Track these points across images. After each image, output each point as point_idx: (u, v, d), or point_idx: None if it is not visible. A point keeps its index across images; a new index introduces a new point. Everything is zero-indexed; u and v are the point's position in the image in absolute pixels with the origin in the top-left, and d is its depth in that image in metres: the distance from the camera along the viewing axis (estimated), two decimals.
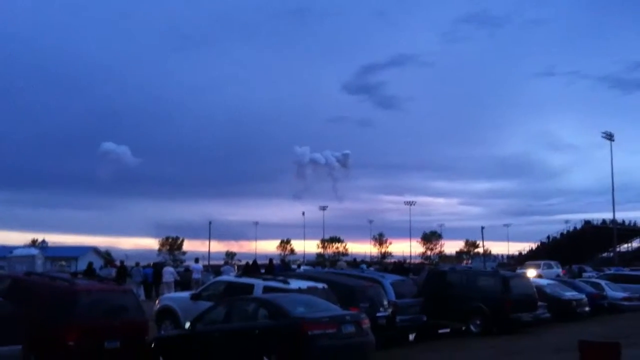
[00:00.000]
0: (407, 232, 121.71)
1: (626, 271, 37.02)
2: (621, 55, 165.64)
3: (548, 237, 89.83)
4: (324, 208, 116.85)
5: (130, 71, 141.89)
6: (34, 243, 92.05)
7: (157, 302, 18.46)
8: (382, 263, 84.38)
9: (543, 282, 24.65)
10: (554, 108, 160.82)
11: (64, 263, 39.82)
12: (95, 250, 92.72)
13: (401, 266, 36.90)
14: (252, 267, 31.72)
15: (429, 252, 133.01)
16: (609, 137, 71.18)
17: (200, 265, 34.82)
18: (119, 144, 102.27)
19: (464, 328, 19.17)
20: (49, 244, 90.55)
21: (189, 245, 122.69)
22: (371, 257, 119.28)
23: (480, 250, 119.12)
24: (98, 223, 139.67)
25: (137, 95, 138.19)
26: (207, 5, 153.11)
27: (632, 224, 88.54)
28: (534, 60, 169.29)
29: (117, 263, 41.99)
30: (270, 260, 36.77)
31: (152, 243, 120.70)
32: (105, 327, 11.60)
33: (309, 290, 13.84)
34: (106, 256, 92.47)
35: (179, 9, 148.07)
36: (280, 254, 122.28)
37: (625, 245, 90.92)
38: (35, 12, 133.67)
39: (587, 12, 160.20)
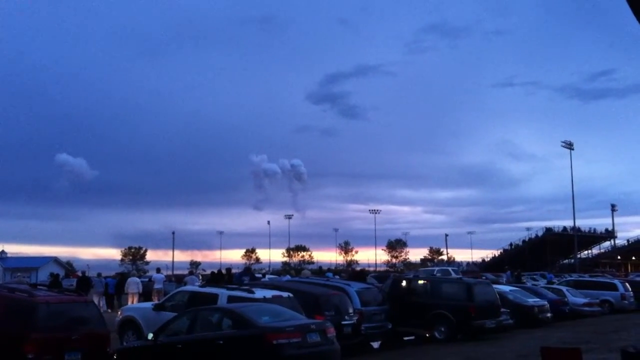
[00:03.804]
0: (372, 240, 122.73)
1: (586, 277, 37.78)
2: (580, 65, 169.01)
3: (510, 244, 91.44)
4: (289, 217, 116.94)
5: (91, 78, 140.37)
6: None
7: (119, 312, 18.17)
8: (346, 271, 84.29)
9: (506, 288, 24.97)
10: (514, 118, 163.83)
11: (19, 274, 38.83)
12: (56, 260, 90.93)
13: (361, 273, 36.66)
14: (218, 277, 31.34)
15: (394, 260, 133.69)
16: (569, 146, 72.52)
17: (162, 275, 34.17)
18: (79, 154, 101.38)
19: (428, 335, 19.28)
20: (9, 255, 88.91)
21: (152, 255, 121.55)
22: (337, 265, 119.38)
23: (444, 257, 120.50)
24: (59, 233, 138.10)
25: (99, 102, 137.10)
26: (171, 11, 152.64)
27: (592, 231, 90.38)
28: (494, 71, 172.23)
29: (79, 273, 41.19)
30: (228, 269, 35.88)
31: (114, 253, 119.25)
32: (65, 338, 11.34)
33: (274, 300, 13.76)
34: (67, 267, 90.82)
35: (141, 14, 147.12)
36: (246, 263, 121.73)
37: (586, 252, 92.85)
38: None
39: (547, 23, 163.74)
